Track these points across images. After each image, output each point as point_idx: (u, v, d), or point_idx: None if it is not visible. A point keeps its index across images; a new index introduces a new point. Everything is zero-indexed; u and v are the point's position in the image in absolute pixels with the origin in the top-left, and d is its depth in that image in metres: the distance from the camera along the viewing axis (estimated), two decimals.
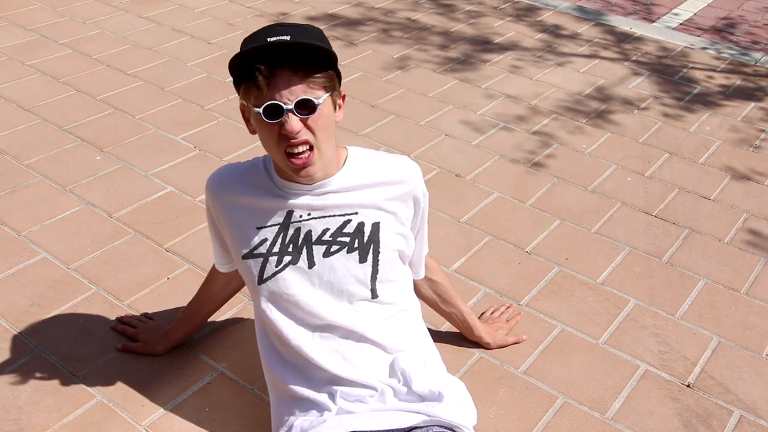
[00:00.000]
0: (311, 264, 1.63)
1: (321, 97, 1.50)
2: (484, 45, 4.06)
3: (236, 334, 2.17)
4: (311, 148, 1.52)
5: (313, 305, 1.65)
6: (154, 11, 4.22)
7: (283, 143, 1.51)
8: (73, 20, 4.06)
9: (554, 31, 4.30)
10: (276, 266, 1.64)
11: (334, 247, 1.63)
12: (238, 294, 2.25)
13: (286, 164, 1.53)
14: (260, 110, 1.48)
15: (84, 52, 3.72)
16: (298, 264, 1.63)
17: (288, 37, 1.47)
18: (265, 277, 1.65)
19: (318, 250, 1.63)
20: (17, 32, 3.89)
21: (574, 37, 4.24)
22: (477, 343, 2.16)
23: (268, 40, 1.46)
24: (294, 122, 1.48)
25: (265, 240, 1.64)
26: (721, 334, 2.28)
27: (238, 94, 1.55)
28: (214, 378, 2.04)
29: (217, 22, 4.13)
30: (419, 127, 3.25)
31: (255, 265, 1.65)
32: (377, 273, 1.66)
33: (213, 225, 1.78)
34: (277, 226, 1.63)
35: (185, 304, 2.13)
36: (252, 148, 3.03)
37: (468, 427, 1.69)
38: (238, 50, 1.49)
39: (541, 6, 4.64)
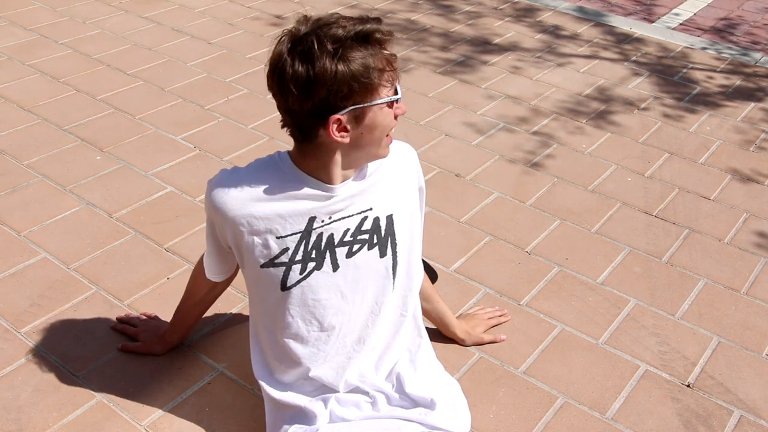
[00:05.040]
0: (335, 267, 1.62)
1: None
2: (484, 46, 4.06)
3: (236, 334, 2.17)
4: None
5: (338, 306, 1.64)
6: (154, 11, 4.22)
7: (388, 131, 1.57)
8: (73, 20, 4.06)
9: (554, 31, 4.30)
10: (300, 273, 1.61)
11: (356, 246, 1.63)
12: (237, 294, 2.26)
13: (386, 147, 1.59)
14: (396, 96, 1.54)
15: (84, 52, 3.72)
16: (323, 269, 1.62)
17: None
18: (288, 284, 1.62)
19: (341, 252, 1.62)
20: (17, 32, 3.89)
21: (574, 37, 4.24)
22: (453, 340, 2.17)
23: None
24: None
25: (287, 249, 1.59)
26: (721, 334, 2.28)
27: (349, 104, 1.46)
28: (214, 378, 2.04)
29: (217, 22, 4.13)
30: (419, 127, 3.25)
31: (276, 273, 1.61)
32: (397, 265, 1.68)
33: (213, 234, 1.70)
34: (299, 234, 1.59)
35: None
36: (252, 147, 3.03)
37: None
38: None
39: (540, 6, 4.64)
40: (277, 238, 1.58)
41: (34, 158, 2.90)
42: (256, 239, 1.59)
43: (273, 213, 1.57)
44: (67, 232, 2.53)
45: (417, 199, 1.78)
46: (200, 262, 1.87)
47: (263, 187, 1.57)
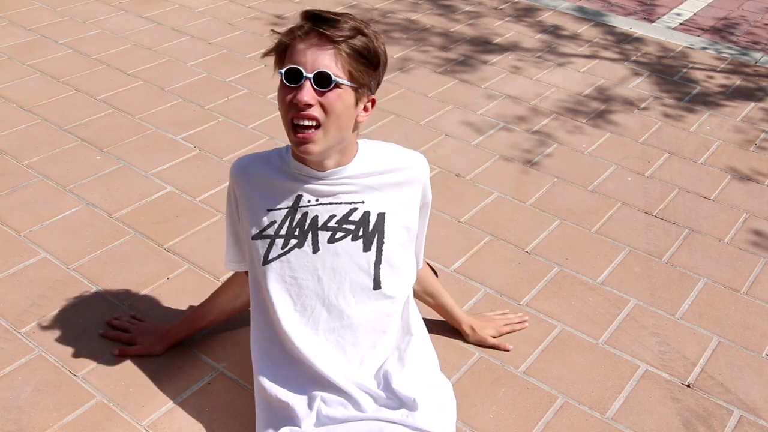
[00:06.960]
0: (316, 249, 1.66)
1: (344, 80, 1.50)
2: (484, 45, 4.06)
3: (236, 334, 2.17)
4: (318, 127, 1.52)
5: (313, 289, 1.67)
6: (154, 11, 4.22)
7: (291, 112, 1.51)
8: (73, 20, 4.06)
9: (554, 31, 4.30)
10: (282, 248, 1.67)
11: (339, 234, 1.66)
12: None
13: (290, 136, 1.55)
14: (283, 71, 1.50)
15: (84, 52, 3.73)
16: (303, 248, 1.66)
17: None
18: (270, 258, 1.67)
19: (323, 236, 1.66)
20: (17, 32, 3.89)
21: (574, 37, 4.24)
22: (458, 333, 2.17)
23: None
24: (307, 92, 1.48)
25: (274, 222, 1.67)
26: (721, 334, 2.28)
27: (277, 66, 1.55)
28: (214, 378, 2.04)
29: (217, 22, 4.13)
30: (419, 127, 3.25)
31: (262, 246, 1.68)
32: (380, 263, 1.68)
33: (231, 213, 1.80)
34: (286, 209, 1.66)
35: (185, 305, 2.13)
36: (252, 147, 3.03)
37: None
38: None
39: (540, 6, 4.64)
40: (268, 210, 1.68)
41: (34, 158, 2.90)
42: (253, 209, 1.69)
43: (270, 187, 1.68)
44: (67, 232, 2.53)
45: (417, 209, 1.78)
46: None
47: (269, 164, 1.69)
